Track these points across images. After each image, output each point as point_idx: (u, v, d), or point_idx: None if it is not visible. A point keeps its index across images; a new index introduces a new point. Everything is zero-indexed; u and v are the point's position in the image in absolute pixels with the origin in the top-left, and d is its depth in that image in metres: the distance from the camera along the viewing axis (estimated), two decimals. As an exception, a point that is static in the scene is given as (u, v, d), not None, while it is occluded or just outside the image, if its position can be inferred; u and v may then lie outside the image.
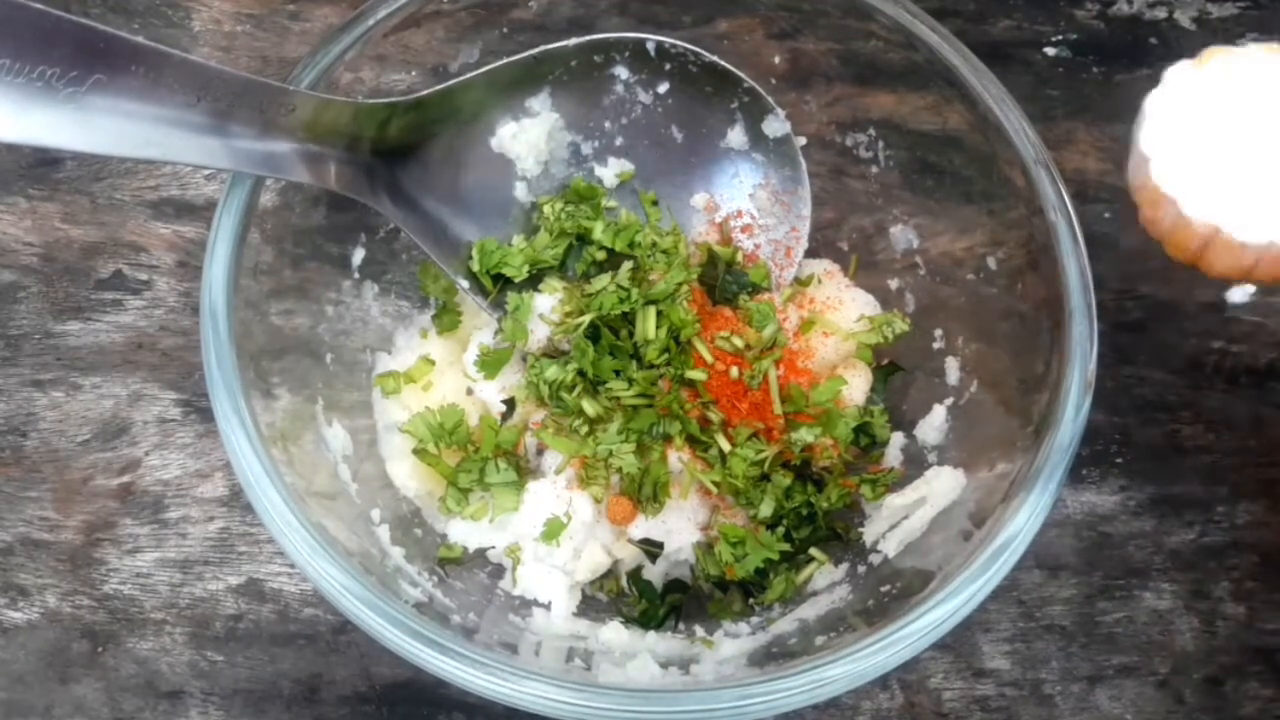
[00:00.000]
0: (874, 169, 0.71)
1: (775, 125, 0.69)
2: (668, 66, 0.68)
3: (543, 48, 0.66)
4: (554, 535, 0.63)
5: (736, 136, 0.70)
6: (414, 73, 0.67)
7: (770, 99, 0.68)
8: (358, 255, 0.68)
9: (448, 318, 0.70)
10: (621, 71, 0.68)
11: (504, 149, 0.68)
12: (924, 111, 0.67)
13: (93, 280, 0.73)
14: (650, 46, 0.67)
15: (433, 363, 0.69)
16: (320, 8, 0.82)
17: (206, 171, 0.76)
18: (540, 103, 0.68)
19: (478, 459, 0.64)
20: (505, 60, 0.66)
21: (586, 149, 0.71)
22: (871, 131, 0.70)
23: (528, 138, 0.68)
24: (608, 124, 0.70)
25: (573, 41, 0.67)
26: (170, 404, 0.70)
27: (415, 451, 0.65)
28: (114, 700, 0.64)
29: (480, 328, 0.69)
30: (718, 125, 0.70)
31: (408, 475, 0.66)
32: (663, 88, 0.69)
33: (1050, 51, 0.83)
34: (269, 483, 0.54)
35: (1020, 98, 0.63)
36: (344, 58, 0.63)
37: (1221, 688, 0.67)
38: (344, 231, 0.68)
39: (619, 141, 0.70)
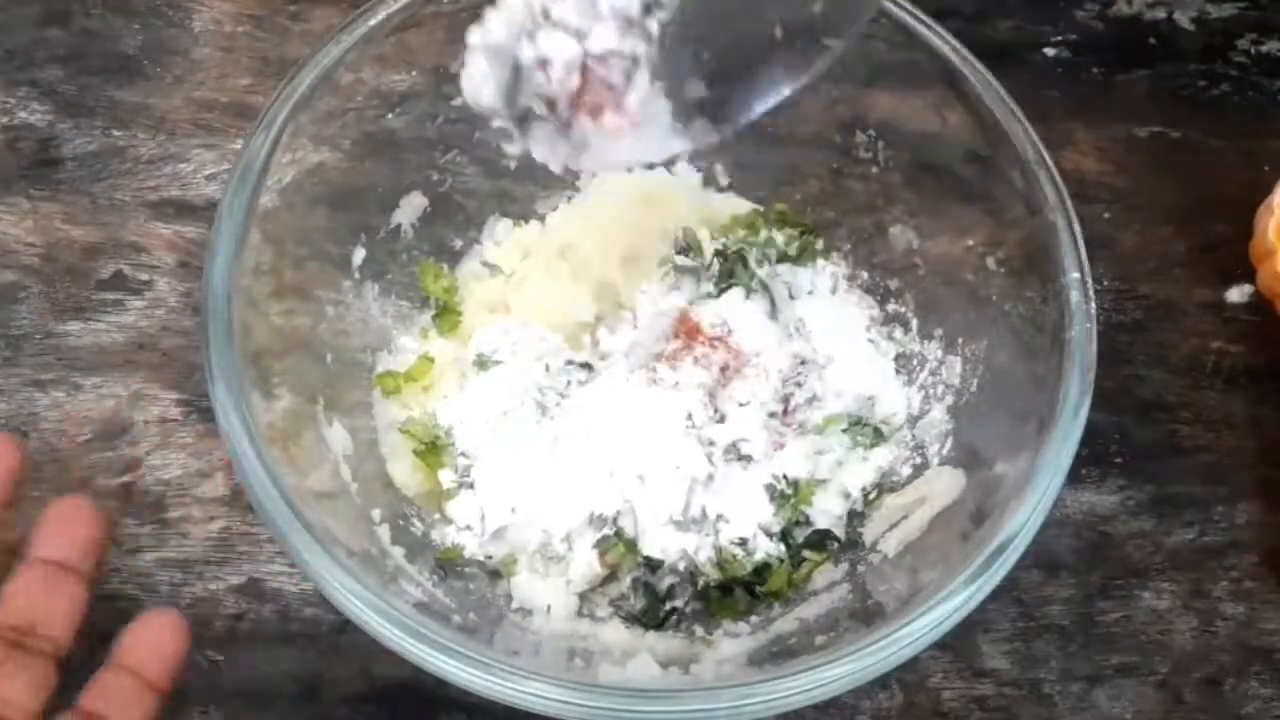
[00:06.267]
0: (874, 169, 0.71)
1: None
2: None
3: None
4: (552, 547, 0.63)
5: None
6: (414, 73, 0.67)
7: None
8: (358, 255, 0.68)
9: (448, 318, 0.70)
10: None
11: None
12: (924, 111, 0.67)
13: (93, 280, 0.73)
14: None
15: (433, 362, 0.69)
16: (320, 8, 0.82)
17: (206, 172, 0.76)
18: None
19: (478, 459, 0.65)
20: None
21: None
22: (871, 131, 0.70)
23: None
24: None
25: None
26: (171, 404, 0.70)
27: (416, 451, 0.65)
28: (115, 700, 0.64)
29: (480, 328, 0.69)
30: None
31: (408, 475, 0.66)
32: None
33: (1050, 52, 0.83)
34: (269, 483, 0.53)
35: (1020, 98, 0.63)
36: (345, 58, 0.63)
37: (1221, 687, 0.67)
38: (344, 232, 0.68)
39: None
